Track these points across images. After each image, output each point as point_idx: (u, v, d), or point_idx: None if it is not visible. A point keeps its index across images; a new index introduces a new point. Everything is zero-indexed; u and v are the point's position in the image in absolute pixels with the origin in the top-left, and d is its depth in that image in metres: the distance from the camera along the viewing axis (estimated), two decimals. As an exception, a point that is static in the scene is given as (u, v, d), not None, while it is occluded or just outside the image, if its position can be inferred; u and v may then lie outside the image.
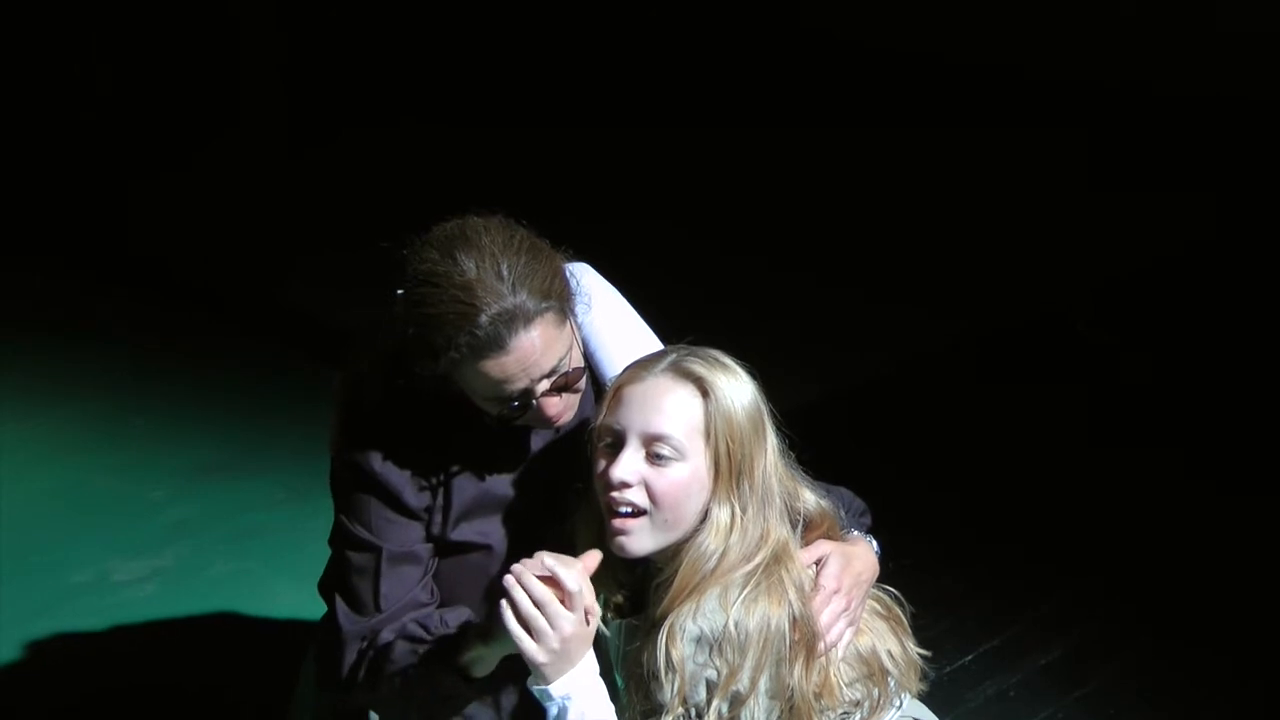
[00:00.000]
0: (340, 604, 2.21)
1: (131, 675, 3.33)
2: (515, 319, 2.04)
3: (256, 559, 3.76)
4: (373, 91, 7.28)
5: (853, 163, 6.66)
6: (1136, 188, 6.19)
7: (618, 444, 2.04)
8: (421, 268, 2.07)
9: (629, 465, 2.02)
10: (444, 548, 2.25)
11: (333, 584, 2.25)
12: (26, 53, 6.75)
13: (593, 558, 2.01)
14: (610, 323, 2.33)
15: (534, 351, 2.06)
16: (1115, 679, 3.29)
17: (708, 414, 2.04)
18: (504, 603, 1.93)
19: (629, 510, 2.03)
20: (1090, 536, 3.81)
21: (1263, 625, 3.46)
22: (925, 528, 3.66)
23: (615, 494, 2.02)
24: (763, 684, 1.99)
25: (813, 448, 2.19)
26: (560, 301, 2.09)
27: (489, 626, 2.00)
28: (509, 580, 1.94)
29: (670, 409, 2.03)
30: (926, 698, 2.30)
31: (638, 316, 2.41)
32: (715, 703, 1.97)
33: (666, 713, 1.98)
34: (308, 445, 3.95)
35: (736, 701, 1.98)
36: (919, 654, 2.22)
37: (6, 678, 3.33)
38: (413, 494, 2.21)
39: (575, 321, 2.16)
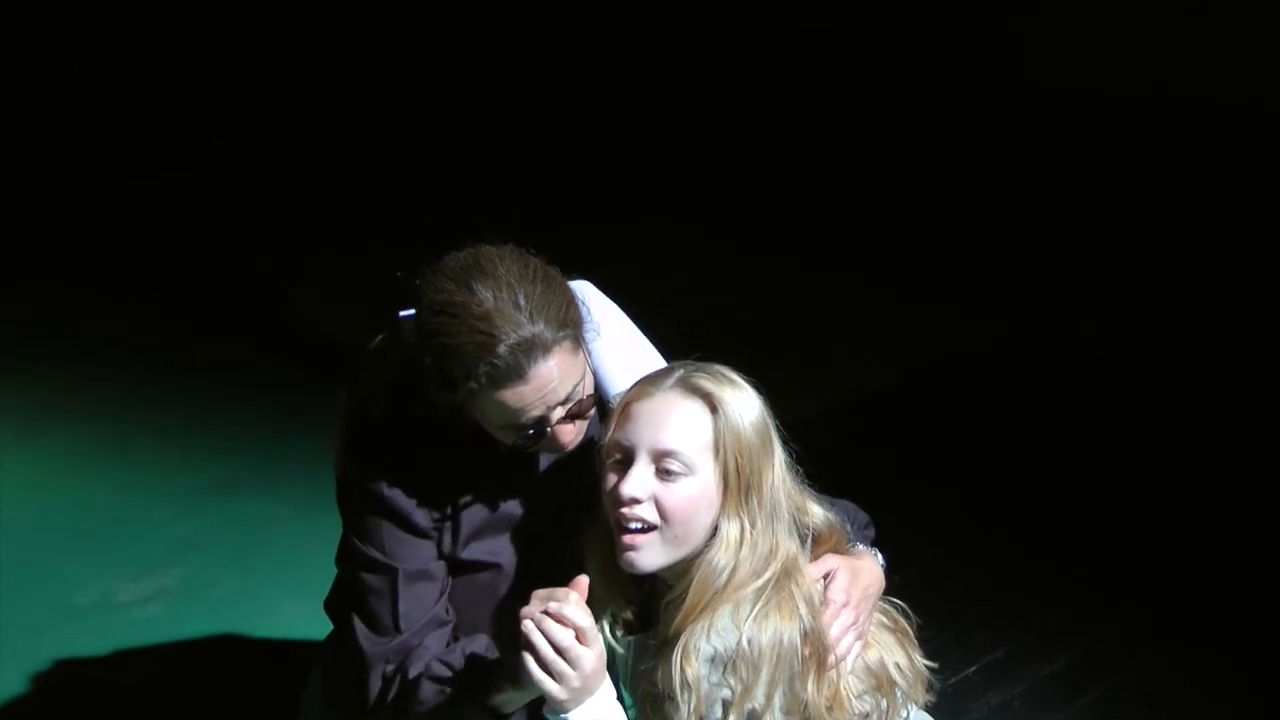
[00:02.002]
0: (359, 626, 2.22)
1: (135, 695, 3.32)
2: (534, 348, 2.05)
3: (261, 577, 3.75)
4: (379, 98, 7.27)
5: (852, 164, 6.68)
6: (1146, 196, 6.22)
7: (627, 460, 2.06)
8: (438, 298, 2.08)
9: (639, 481, 2.03)
10: (453, 567, 2.26)
11: (347, 605, 2.25)
12: (27, 55, 6.73)
13: (582, 584, 2.02)
14: (613, 341, 2.34)
15: (551, 380, 2.07)
16: (1119, 686, 3.30)
17: (717, 429, 2.05)
18: (526, 653, 1.95)
19: (639, 526, 2.04)
20: (1092, 543, 3.82)
21: (1268, 629, 3.46)
22: (928, 536, 3.66)
23: (625, 510, 2.03)
24: (778, 699, 2.00)
25: (814, 461, 2.20)
26: (575, 329, 2.11)
27: (518, 669, 2.01)
28: (528, 627, 1.95)
29: (679, 425, 2.05)
30: (931, 709, 2.31)
31: (639, 332, 2.42)
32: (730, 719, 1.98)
33: None
34: (312, 462, 3.95)
35: (753, 719, 1.99)
36: (926, 665, 2.23)
37: (8, 698, 3.32)
38: (422, 515, 2.21)
39: (587, 348, 2.17)
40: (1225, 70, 6.97)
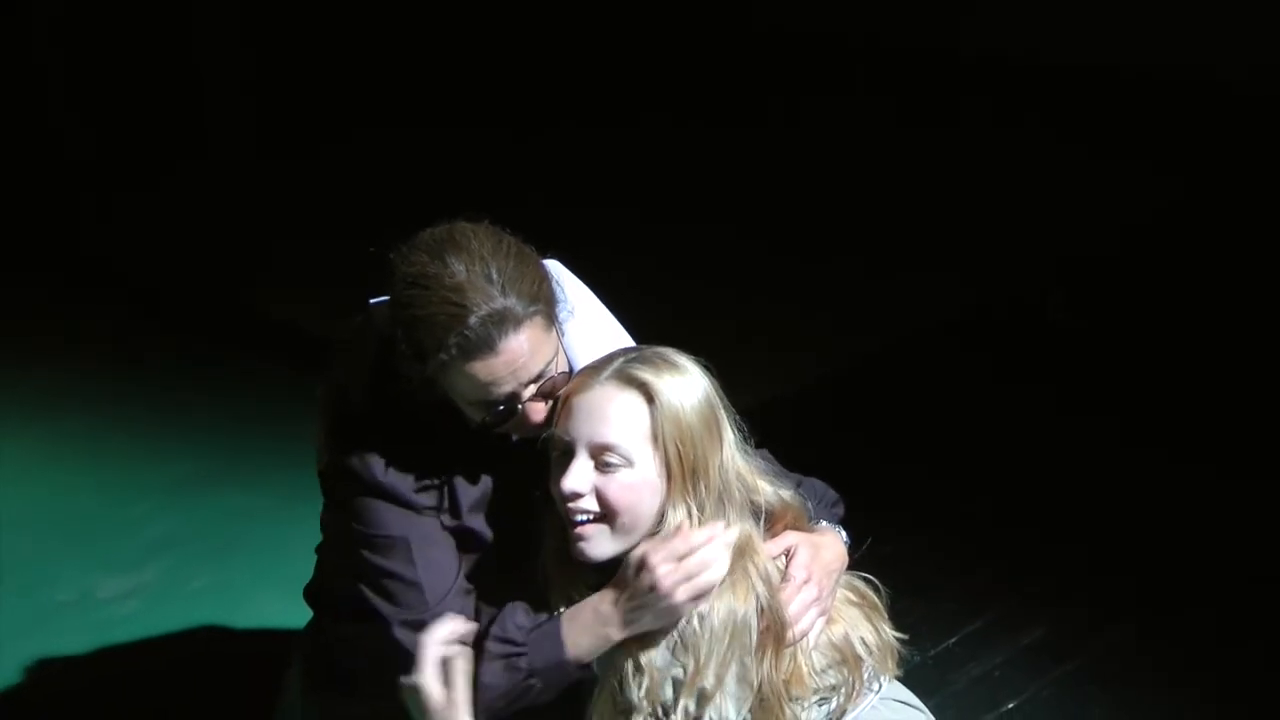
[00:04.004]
0: (386, 608, 2.16)
1: (116, 692, 3.31)
2: (505, 321, 2.04)
3: (239, 570, 3.74)
4: (350, 98, 7.26)
5: (836, 150, 6.73)
6: (1101, 168, 6.23)
7: (568, 454, 2.05)
8: (410, 270, 2.07)
9: (579, 475, 2.03)
10: (460, 539, 2.23)
11: (368, 590, 2.19)
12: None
13: None
14: (584, 322, 2.32)
15: (522, 354, 2.06)
16: (1098, 653, 3.31)
17: (655, 419, 2.04)
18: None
19: (586, 518, 2.04)
20: (1067, 514, 3.83)
21: (1245, 596, 3.48)
22: (905, 512, 3.68)
23: (570, 504, 2.04)
24: (730, 679, 2.00)
25: (769, 443, 2.19)
26: (547, 306, 2.10)
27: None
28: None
29: (615, 417, 2.04)
30: (912, 682, 2.32)
31: (607, 312, 2.41)
32: (681, 701, 1.98)
33: (636, 713, 1.99)
34: (287, 453, 3.95)
35: (703, 699, 1.99)
36: (896, 638, 2.23)
37: (-10, 699, 3.33)
38: (417, 495, 2.20)
39: (560, 327, 2.16)
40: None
